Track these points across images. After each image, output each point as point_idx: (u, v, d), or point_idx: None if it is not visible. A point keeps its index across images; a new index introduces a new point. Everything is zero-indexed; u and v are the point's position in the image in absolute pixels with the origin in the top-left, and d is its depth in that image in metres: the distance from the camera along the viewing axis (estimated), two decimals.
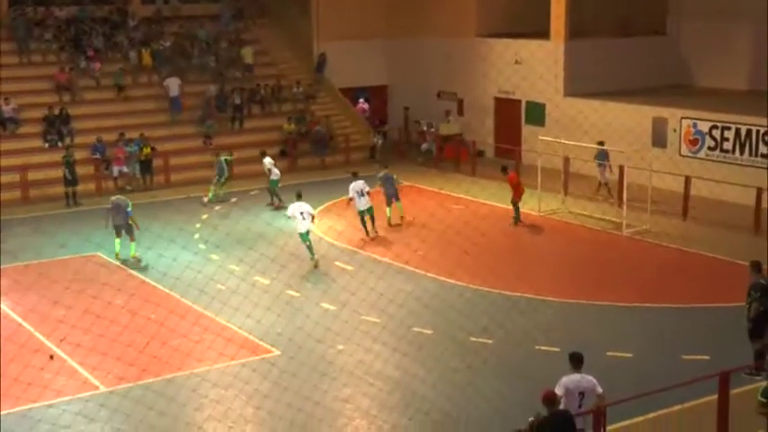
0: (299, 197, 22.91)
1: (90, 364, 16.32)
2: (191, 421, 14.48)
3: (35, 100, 33.08)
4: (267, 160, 28.89)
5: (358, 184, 24.40)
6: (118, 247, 22.89)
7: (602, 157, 28.33)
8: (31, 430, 14.05)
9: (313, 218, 22.59)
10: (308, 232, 22.23)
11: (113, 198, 23.48)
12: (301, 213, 22.15)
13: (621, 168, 26.67)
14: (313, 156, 34.76)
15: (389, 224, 25.73)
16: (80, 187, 29.28)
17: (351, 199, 24.45)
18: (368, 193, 24.33)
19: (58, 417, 14.37)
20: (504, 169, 26.96)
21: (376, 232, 24.62)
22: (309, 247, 22.21)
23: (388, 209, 25.91)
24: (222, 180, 28.96)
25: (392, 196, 25.92)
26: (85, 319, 16.61)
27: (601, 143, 28.37)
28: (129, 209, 22.66)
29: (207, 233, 24.99)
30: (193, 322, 17.92)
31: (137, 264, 22.53)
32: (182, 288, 19.89)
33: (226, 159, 29.37)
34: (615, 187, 27.64)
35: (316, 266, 22.01)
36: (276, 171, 28.47)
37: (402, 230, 25.26)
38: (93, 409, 14.66)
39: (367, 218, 24.46)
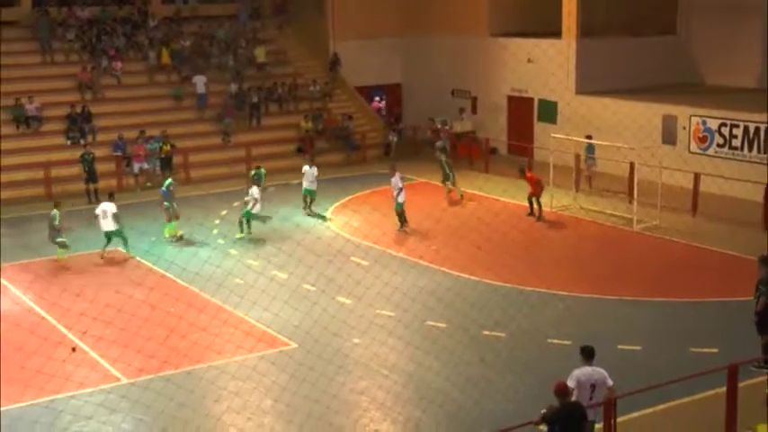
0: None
1: (111, 356, 16.43)
2: (210, 413, 14.54)
3: (58, 98, 33.24)
4: (306, 168, 27.43)
5: (398, 180, 24.80)
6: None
7: (591, 150, 28.91)
8: (54, 421, 14.15)
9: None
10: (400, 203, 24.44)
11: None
12: (400, 189, 24.35)
13: (632, 165, 26.61)
14: (343, 152, 35.02)
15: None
16: (101, 184, 29.36)
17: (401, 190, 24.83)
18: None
19: (80, 408, 14.47)
20: (522, 170, 27.09)
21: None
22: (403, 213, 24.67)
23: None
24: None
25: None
26: (107, 312, 16.69)
27: (589, 137, 28.99)
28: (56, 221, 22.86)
29: (225, 228, 25.07)
30: (212, 316, 17.99)
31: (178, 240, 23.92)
32: (201, 282, 19.94)
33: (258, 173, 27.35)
34: (597, 179, 28.45)
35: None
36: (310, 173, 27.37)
37: (416, 226, 25.25)
38: (114, 400, 14.75)
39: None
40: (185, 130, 33.94)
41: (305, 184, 27.27)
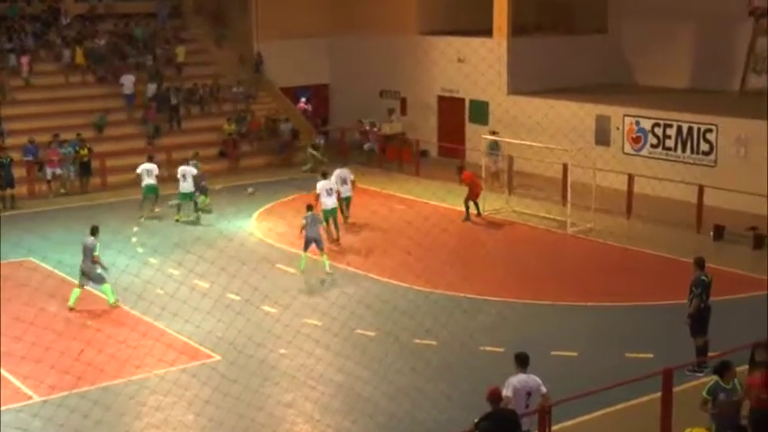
0: (325, 176, 24.79)
1: (22, 372, 16.01)
2: (129, 430, 14.31)
3: None
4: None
5: (327, 183, 24.47)
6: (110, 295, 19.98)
7: (494, 147, 29.68)
8: None
9: (353, 183, 25.47)
10: (333, 209, 24.09)
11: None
12: (327, 190, 24.06)
13: (565, 167, 26.93)
14: (270, 154, 34.94)
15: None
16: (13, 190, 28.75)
17: (318, 196, 24.25)
18: (352, 181, 25.44)
19: None
20: (460, 170, 27.31)
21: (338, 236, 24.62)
22: (335, 222, 24.31)
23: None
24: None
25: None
26: (16, 326, 16.32)
27: (494, 133, 30.13)
28: (96, 252, 19.79)
29: (145, 236, 24.71)
30: (131, 328, 17.71)
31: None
32: (118, 293, 19.67)
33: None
34: (505, 176, 29.05)
35: (337, 240, 24.21)
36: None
37: (343, 232, 25.19)
38: (25, 419, 14.40)
39: (330, 219, 24.25)
40: (103, 132, 33.37)
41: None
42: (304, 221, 21.79)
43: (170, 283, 19.99)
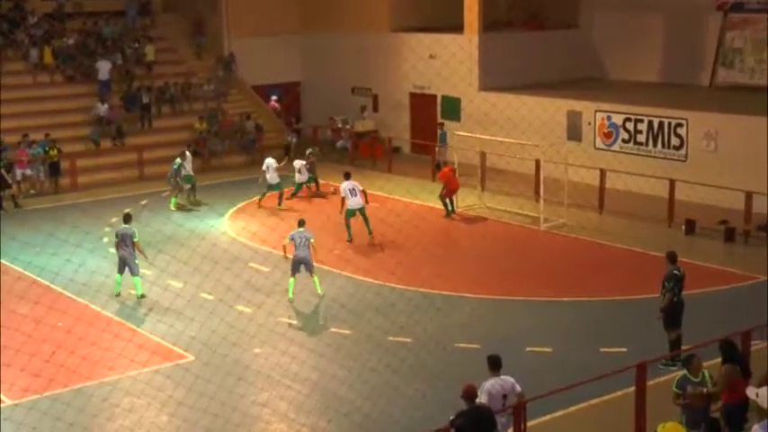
0: (347, 176, 24.76)
1: None
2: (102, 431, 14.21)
3: None
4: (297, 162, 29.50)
5: (350, 184, 24.41)
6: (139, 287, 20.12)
7: (443, 138, 31.22)
8: None
9: (364, 193, 24.43)
10: (361, 208, 24.01)
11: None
12: (351, 191, 23.95)
13: (538, 162, 27.00)
14: (242, 152, 34.74)
15: None
16: None
17: (343, 199, 24.29)
18: (362, 191, 24.44)
19: None
20: (438, 167, 27.42)
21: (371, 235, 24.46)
22: (365, 219, 24.13)
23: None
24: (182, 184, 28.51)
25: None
26: None
27: (441, 125, 31.84)
28: (136, 238, 20.12)
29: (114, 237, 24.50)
30: (103, 329, 17.55)
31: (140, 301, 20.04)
32: (90, 294, 19.50)
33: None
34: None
35: (370, 234, 24.15)
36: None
37: (317, 230, 25.10)
38: None
39: (353, 219, 24.18)
40: (73, 133, 33.13)
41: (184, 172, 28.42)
42: (289, 240, 19.95)
43: (142, 282, 19.89)
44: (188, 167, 28.60)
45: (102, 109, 33.58)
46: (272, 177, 28.03)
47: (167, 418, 14.60)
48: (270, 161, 28.42)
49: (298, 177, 29.11)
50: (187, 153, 29.06)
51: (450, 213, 26.65)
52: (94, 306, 19.38)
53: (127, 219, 20.42)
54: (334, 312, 18.99)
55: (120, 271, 20.04)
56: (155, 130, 34.86)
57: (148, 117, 34.90)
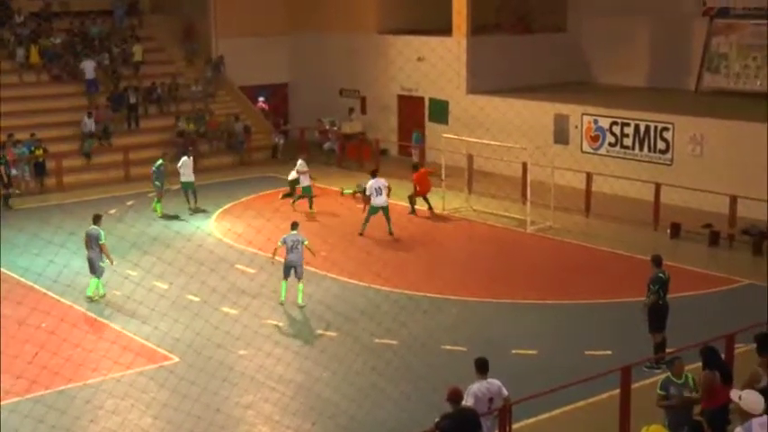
0: (374, 174, 25.01)
1: None
2: None
3: None
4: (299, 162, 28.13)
5: (377, 182, 24.68)
6: (92, 288, 20.06)
7: (417, 140, 31.97)
8: None
9: (389, 189, 24.78)
10: (384, 207, 24.39)
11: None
12: (377, 189, 24.25)
13: (525, 165, 27.00)
14: (229, 154, 34.60)
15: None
16: None
17: (368, 197, 24.76)
18: (387, 188, 24.87)
19: None
20: (415, 167, 27.48)
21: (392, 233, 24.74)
22: (387, 218, 24.52)
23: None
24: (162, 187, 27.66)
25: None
26: None
27: (419, 127, 33.00)
28: (102, 240, 20.06)
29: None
30: (86, 330, 17.49)
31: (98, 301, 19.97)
32: (74, 295, 19.39)
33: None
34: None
35: (391, 233, 24.47)
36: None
37: (304, 232, 25.03)
38: None
39: (374, 216, 24.63)
40: (58, 133, 32.97)
41: (183, 178, 27.44)
42: (281, 243, 19.66)
43: (127, 284, 19.75)
44: (188, 173, 27.59)
45: (90, 123, 33.19)
46: (304, 180, 27.60)
47: (151, 420, 14.52)
48: (301, 163, 27.83)
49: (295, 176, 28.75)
50: (185, 158, 27.92)
51: (413, 211, 26.93)
52: (78, 307, 19.29)
53: (96, 220, 20.29)
54: (319, 314, 18.93)
55: (91, 272, 19.97)
56: (141, 130, 34.73)
57: (135, 117, 34.76)
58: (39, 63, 35.12)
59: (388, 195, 25.03)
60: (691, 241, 23.87)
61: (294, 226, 20.08)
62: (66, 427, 14.04)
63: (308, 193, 27.45)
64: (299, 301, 19.59)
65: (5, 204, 28.45)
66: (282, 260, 19.78)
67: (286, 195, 28.60)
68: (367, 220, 24.71)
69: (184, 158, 27.92)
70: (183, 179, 27.62)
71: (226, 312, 18.92)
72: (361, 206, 25.93)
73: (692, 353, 13.16)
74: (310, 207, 27.23)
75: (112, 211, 26.92)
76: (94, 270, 19.90)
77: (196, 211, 27.62)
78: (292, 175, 28.43)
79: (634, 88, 33.73)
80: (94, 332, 17.62)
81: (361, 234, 24.45)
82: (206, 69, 37.60)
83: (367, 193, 24.90)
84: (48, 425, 13.79)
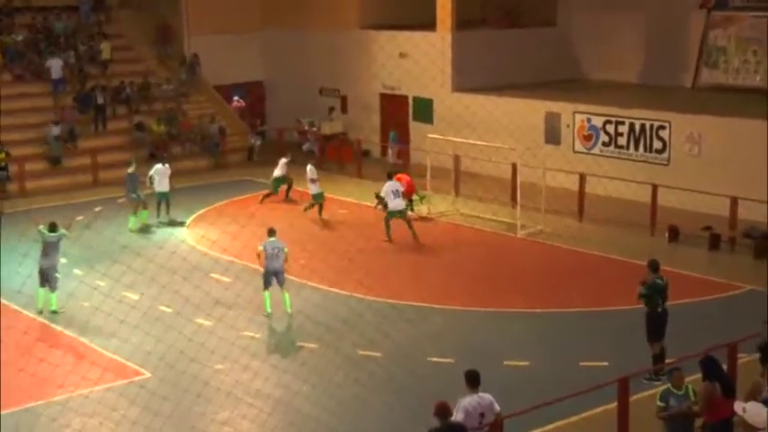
0: (390, 177, 25.22)
1: None
2: None
3: None
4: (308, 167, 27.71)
5: (393, 185, 24.72)
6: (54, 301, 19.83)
7: (394, 139, 32.26)
8: None
9: (403, 194, 24.83)
10: (401, 211, 24.50)
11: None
12: (394, 192, 24.38)
13: (514, 167, 26.99)
14: (203, 156, 34.51)
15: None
16: None
17: (385, 201, 24.93)
18: (402, 193, 24.88)
19: None
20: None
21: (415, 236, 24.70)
22: (407, 221, 24.61)
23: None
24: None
25: None
26: None
27: (395, 127, 33.23)
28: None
29: (67, 245, 24.18)
30: (52, 344, 17.37)
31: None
32: (37, 307, 19.23)
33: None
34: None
35: (415, 237, 24.44)
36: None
37: (281, 237, 24.98)
38: None
39: (394, 220, 24.60)
40: (21, 136, 32.78)
41: (158, 188, 26.80)
42: (261, 248, 19.44)
43: (95, 295, 19.57)
44: (164, 182, 26.79)
45: (56, 130, 32.90)
46: (313, 187, 27.04)
47: None
48: (311, 169, 27.33)
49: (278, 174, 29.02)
50: (160, 165, 27.14)
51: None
52: (42, 319, 19.12)
53: (53, 227, 20.02)
54: (299, 325, 18.84)
55: (42, 284, 19.71)
56: (109, 132, 34.55)
57: (103, 118, 34.59)
58: (0, 62, 34.90)
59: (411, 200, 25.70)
60: (690, 245, 23.89)
61: (271, 232, 19.91)
62: None
63: (318, 200, 27.02)
64: (287, 308, 19.48)
65: None
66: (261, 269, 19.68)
67: (267, 196, 28.56)
68: (388, 225, 24.58)
69: (158, 166, 27.22)
70: (157, 189, 26.86)
71: (200, 324, 18.79)
72: (344, 211, 25.88)
73: (692, 363, 13.13)
74: (320, 214, 26.96)
75: (80, 218, 26.72)
76: (48, 281, 19.62)
77: (169, 223, 27.04)
78: (276, 173, 28.37)
79: (628, 85, 33.81)
80: (60, 346, 17.48)
81: (387, 241, 24.45)
82: (180, 71, 37.41)
83: (382, 194, 25.01)
84: None
